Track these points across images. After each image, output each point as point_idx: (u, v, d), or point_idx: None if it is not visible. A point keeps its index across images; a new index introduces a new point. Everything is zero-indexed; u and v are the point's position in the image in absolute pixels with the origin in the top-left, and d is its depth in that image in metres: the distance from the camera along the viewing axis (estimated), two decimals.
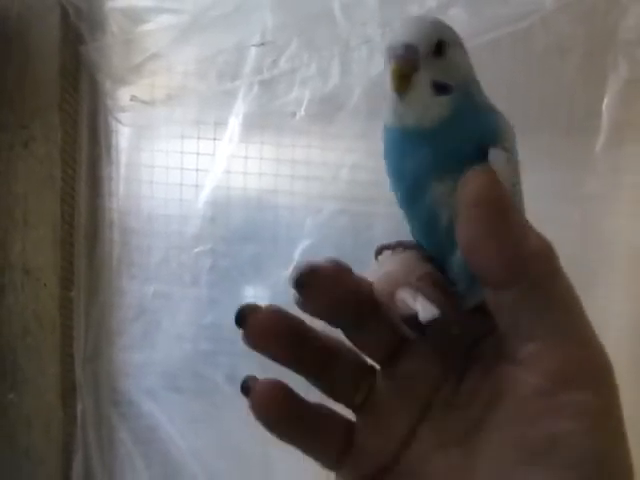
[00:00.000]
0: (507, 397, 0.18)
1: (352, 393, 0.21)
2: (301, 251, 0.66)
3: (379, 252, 0.22)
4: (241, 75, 0.62)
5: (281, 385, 0.20)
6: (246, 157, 0.69)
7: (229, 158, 0.68)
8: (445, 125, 0.20)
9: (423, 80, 0.19)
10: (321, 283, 0.19)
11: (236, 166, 0.69)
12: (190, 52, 0.62)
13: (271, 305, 0.21)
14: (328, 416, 0.21)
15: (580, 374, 0.18)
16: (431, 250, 0.21)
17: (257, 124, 0.66)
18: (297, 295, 0.20)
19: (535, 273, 0.18)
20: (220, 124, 0.67)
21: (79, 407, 0.68)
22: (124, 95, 0.64)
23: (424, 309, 0.18)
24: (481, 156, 0.19)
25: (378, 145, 0.70)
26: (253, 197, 0.70)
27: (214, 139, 0.68)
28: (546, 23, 0.71)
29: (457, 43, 0.21)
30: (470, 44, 0.68)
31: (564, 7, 0.70)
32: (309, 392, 0.21)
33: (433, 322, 0.18)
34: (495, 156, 0.19)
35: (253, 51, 0.61)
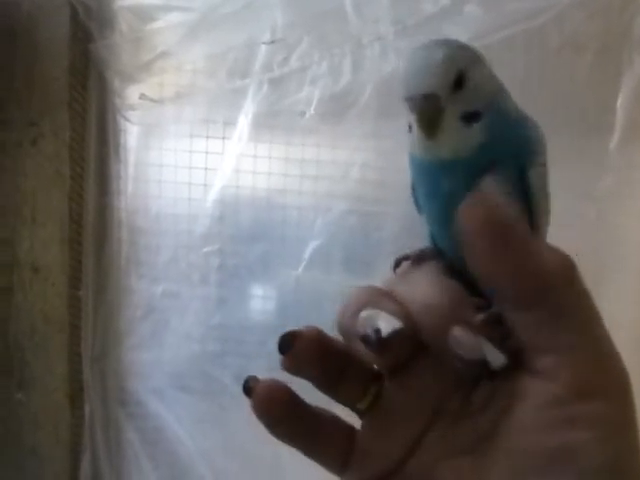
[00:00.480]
0: (522, 406, 0.18)
1: (358, 398, 0.21)
2: (311, 251, 0.66)
3: (398, 264, 0.22)
4: (251, 73, 0.61)
5: (282, 386, 0.20)
6: (255, 156, 0.68)
7: (238, 157, 0.68)
8: (482, 148, 0.20)
9: (451, 117, 0.19)
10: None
11: (245, 165, 0.68)
12: (199, 50, 0.62)
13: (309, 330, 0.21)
14: (329, 419, 0.21)
15: (597, 386, 0.18)
16: (459, 259, 0.20)
17: (266, 123, 0.66)
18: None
19: (555, 291, 0.18)
20: (229, 123, 0.66)
21: (87, 407, 0.68)
22: (133, 93, 0.64)
23: (493, 356, 0.18)
24: (518, 169, 0.19)
25: (388, 144, 0.69)
26: (262, 196, 0.69)
27: (223, 138, 0.68)
28: (561, 20, 0.70)
29: (475, 62, 0.20)
30: (484, 41, 0.67)
31: (579, 4, 0.69)
32: (312, 395, 0.21)
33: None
34: (533, 162, 0.20)
35: (263, 49, 0.60)
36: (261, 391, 0.20)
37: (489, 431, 0.19)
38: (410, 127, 0.21)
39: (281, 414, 0.20)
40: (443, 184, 0.20)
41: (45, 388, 0.64)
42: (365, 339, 0.19)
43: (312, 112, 0.64)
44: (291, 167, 0.68)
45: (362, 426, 0.22)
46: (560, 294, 0.18)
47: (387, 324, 0.19)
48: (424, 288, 0.20)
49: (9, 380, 0.63)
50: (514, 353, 0.19)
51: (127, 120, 0.65)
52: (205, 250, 0.68)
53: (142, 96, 0.63)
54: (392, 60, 0.57)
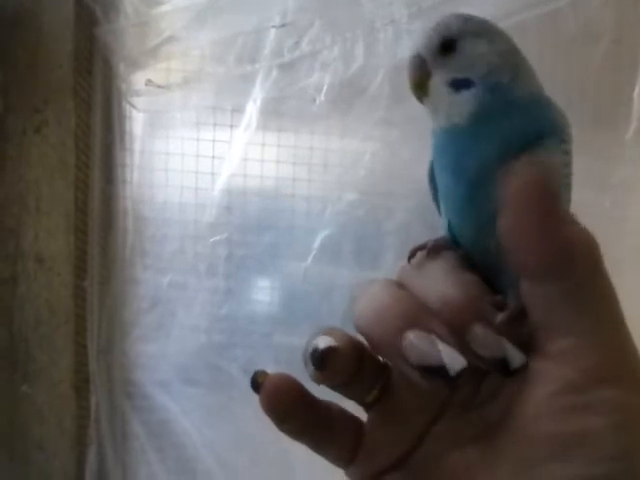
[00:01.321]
0: (535, 392, 0.18)
1: (365, 391, 0.21)
2: (320, 241, 0.65)
3: (413, 254, 0.22)
4: (260, 58, 0.60)
5: (290, 380, 0.20)
6: (263, 144, 0.67)
7: (246, 145, 0.66)
8: (483, 119, 0.20)
9: (438, 82, 0.20)
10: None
11: (253, 153, 0.67)
12: (207, 34, 0.60)
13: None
14: (337, 414, 0.21)
15: (614, 372, 0.17)
16: (479, 249, 0.20)
17: (275, 110, 0.64)
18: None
19: (577, 267, 0.17)
20: (237, 110, 0.65)
21: (93, 399, 0.67)
22: (139, 79, 0.63)
23: (514, 356, 0.18)
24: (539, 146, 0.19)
25: (400, 132, 0.67)
26: (270, 185, 0.68)
27: (231, 125, 0.66)
28: (575, 6, 0.68)
29: (476, 33, 0.20)
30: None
31: None
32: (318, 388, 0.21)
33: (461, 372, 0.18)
34: (549, 146, 0.19)
35: (273, 33, 0.59)
36: (269, 386, 0.20)
37: (498, 419, 0.19)
38: None
39: (290, 410, 0.20)
40: (467, 160, 0.20)
41: (50, 380, 0.63)
42: (423, 370, 0.18)
43: (322, 99, 0.62)
44: (300, 155, 0.67)
45: (369, 419, 0.21)
46: (585, 270, 0.18)
47: (453, 362, 0.18)
48: (441, 282, 0.19)
49: (14, 372, 0.62)
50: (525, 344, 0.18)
51: (133, 107, 0.64)
52: (212, 240, 0.67)
53: (148, 82, 0.62)
54: (406, 44, 0.55)
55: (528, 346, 0.18)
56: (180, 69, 0.63)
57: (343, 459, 0.21)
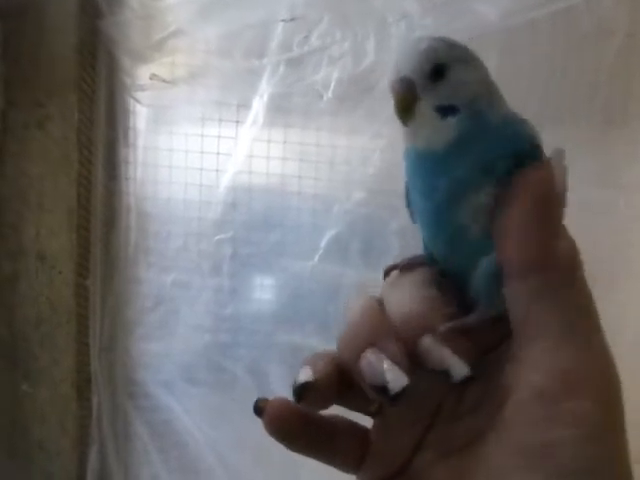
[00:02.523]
0: (509, 401, 0.18)
1: (366, 403, 0.21)
2: (327, 240, 0.64)
3: (387, 273, 0.23)
4: (267, 53, 0.59)
5: (292, 405, 0.20)
6: (269, 141, 0.66)
7: (252, 142, 0.65)
8: (460, 145, 0.20)
9: (426, 107, 0.20)
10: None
11: (259, 150, 0.66)
12: (214, 28, 0.59)
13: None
14: (343, 427, 0.22)
15: (585, 382, 0.18)
16: (451, 263, 0.22)
17: (282, 106, 0.63)
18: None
19: (559, 269, 0.18)
20: (243, 106, 0.64)
21: (94, 399, 0.66)
22: (143, 73, 0.61)
23: (455, 368, 0.19)
24: (515, 169, 0.19)
25: None
26: (276, 183, 0.67)
27: (237, 121, 0.65)
28: (589, 3, 0.67)
29: (462, 60, 0.21)
30: (510, 21, 0.63)
31: None
32: None
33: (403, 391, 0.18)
34: (556, 154, 0.20)
35: (281, 27, 0.58)
36: (271, 411, 0.20)
37: (481, 429, 0.19)
38: None
39: (293, 431, 0.21)
40: (440, 180, 0.21)
41: (51, 379, 0.62)
42: (372, 388, 0.19)
43: (330, 95, 0.61)
44: (307, 152, 0.66)
45: (373, 427, 0.22)
46: (564, 274, 0.18)
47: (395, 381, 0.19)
48: (405, 298, 0.21)
49: (15, 371, 0.62)
50: (482, 363, 0.19)
51: (137, 101, 0.63)
52: (217, 238, 0.66)
53: (153, 76, 0.60)
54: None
55: (502, 353, 0.19)
56: (185, 63, 0.62)
57: (350, 467, 0.22)
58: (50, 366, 0.62)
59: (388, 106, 0.67)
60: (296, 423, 0.21)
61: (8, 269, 0.62)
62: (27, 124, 0.60)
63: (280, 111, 0.64)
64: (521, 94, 0.69)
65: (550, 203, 0.18)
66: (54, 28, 0.59)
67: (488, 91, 0.21)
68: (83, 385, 0.65)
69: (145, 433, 0.68)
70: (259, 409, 0.20)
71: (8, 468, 0.62)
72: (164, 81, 0.60)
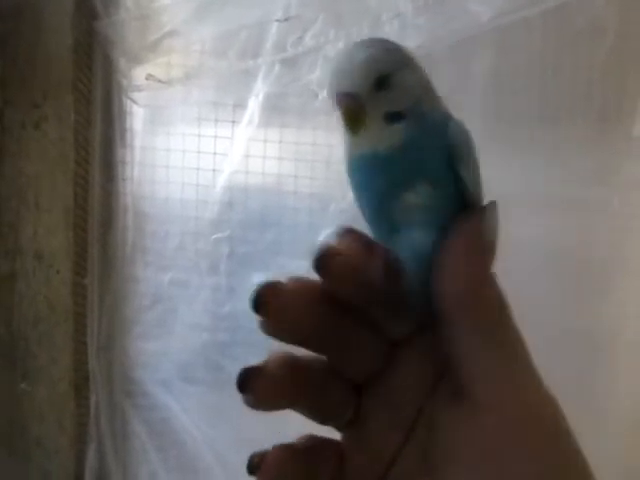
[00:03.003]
0: (455, 440, 0.19)
1: (339, 414, 0.21)
2: (324, 239, 0.64)
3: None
4: (262, 53, 0.59)
5: (288, 456, 0.20)
6: (265, 140, 0.66)
7: (248, 141, 0.65)
8: (403, 148, 0.21)
9: (373, 116, 0.20)
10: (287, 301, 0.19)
11: (255, 150, 0.66)
12: (209, 28, 0.59)
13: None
14: (321, 448, 0.21)
15: (519, 435, 0.18)
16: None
17: (277, 106, 0.64)
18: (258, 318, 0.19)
19: (485, 313, 0.19)
20: (239, 106, 0.64)
21: (92, 397, 0.66)
22: (139, 74, 0.62)
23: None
24: (448, 167, 0.20)
25: None
26: (272, 182, 0.67)
27: (233, 121, 0.65)
28: (581, 1, 0.67)
29: (402, 65, 0.21)
30: (503, 20, 0.64)
31: None
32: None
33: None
34: (490, 205, 0.20)
35: (276, 27, 0.58)
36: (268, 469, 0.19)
37: (448, 452, 0.19)
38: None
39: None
40: (375, 182, 0.21)
41: (50, 378, 0.63)
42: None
43: (325, 94, 0.62)
44: (302, 152, 0.66)
45: (345, 440, 0.21)
46: (491, 319, 0.19)
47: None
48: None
49: (13, 370, 0.62)
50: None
51: (133, 102, 0.63)
52: (214, 237, 0.66)
53: (149, 77, 0.61)
54: (412, 38, 0.54)
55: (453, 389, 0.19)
56: (181, 64, 0.63)
57: None
58: (48, 365, 0.63)
59: None
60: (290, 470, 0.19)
61: (6, 268, 0.62)
62: (24, 124, 0.61)
63: (276, 111, 0.64)
64: (516, 93, 0.70)
65: (478, 253, 0.19)
66: (50, 29, 0.59)
67: (427, 91, 0.21)
68: (81, 384, 0.65)
69: (143, 431, 0.68)
70: (253, 467, 0.19)
71: (6, 466, 0.62)
72: (160, 81, 0.61)
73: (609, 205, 0.64)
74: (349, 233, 0.20)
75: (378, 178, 0.21)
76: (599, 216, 0.66)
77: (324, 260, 0.19)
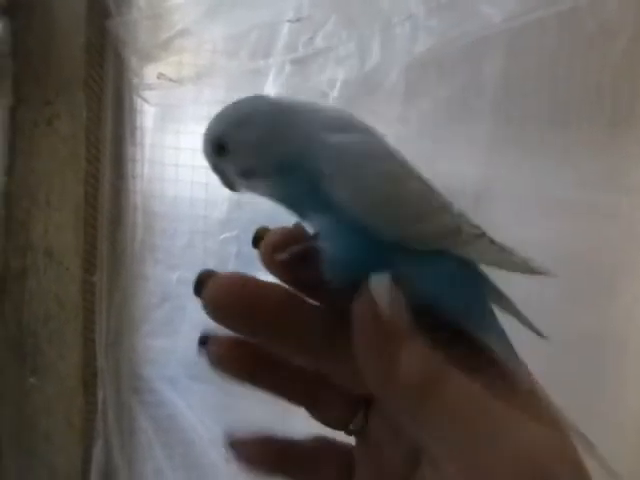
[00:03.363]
0: None
1: (348, 420, 0.21)
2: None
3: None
4: (273, 53, 0.59)
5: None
6: None
7: None
8: (276, 194, 0.23)
9: (233, 176, 0.23)
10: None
11: None
12: (220, 28, 0.60)
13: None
14: (327, 450, 0.21)
15: None
16: None
17: None
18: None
19: (406, 391, 0.17)
20: None
21: (100, 394, 0.67)
22: (151, 73, 0.62)
23: None
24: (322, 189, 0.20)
25: (415, 129, 0.66)
26: None
27: None
28: (594, 4, 0.67)
29: (237, 125, 0.22)
30: (516, 22, 0.63)
31: None
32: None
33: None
34: (375, 283, 0.18)
35: (287, 28, 0.58)
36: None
37: None
38: None
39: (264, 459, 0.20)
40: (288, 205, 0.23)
41: (58, 374, 0.63)
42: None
43: (335, 95, 0.62)
44: None
45: (356, 451, 0.21)
46: (413, 393, 0.17)
47: None
48: None
49: (23, 365, 0.62)
50: None
51: (144, 100, 0.63)
52: (222, 237, 0.67)
53: (160, 76, 0.61)
54: (423, 40, 0.54)
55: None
56: (192, 63, 0.63)
57: None
58: (57, 361, 0.63)
59: (393, 106, 0.68)
60: (269, 453, 0.20)
61: (17, 265, 0.63)
62: (36, 122, 0.61)
63: None
64: (527, 96, 0.69)
65: (374, 332, 0.18)
66: (63, 27, 0.59)
67: (274, 125, 0.22)
68: (89, 380, 0.66)
69: (150, 428, 0.68)
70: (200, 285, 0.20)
71: (14, 459, 0.62)
72: (171, 80, 0.61)
73: (619, 209, 0.63)
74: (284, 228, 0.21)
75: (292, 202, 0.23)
76: (609, 219, 0.65)
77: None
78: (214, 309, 0.19)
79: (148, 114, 0.65)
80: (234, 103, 0.22)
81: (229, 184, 0.23)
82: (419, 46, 0.54)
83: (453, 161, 0.65)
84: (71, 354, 0.63)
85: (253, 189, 0.23)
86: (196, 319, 0.68)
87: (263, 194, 0.23)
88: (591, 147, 0.70)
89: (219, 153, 0.22)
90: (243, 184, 0.23)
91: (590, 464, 0.17)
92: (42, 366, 0.63)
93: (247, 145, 0.22)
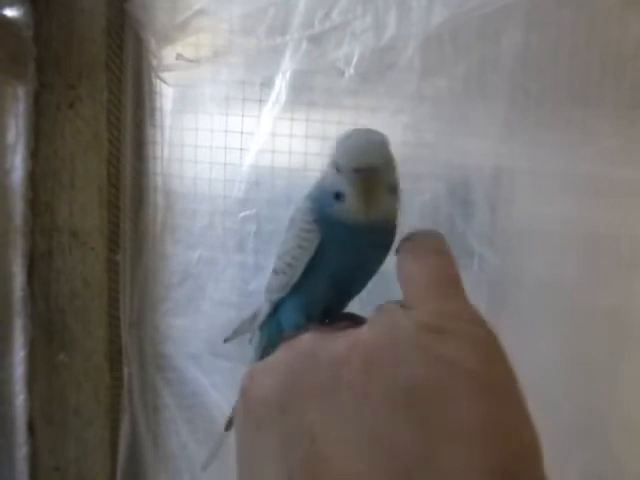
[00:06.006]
0: None
1: None
2: None
3: None
4: (290, 30, 0.59)
5: None
6: (292, 119, 0.67)
7: (274, 120, 0.66)
8: (397, 213, 0.26)
9: (384, 188, 0.25)
10: None
11: (281, 128, 0.67)
12: (237, 7, 0.60)
13: None
14: None
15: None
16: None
17: (304, 84, 0.64)
18: None
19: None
20: (266, 85, 0.65)
21: (125, 370, 0.68)
22: (169, 54, 0.63)
23: None
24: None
25: (431, 105, 0.65)
26: (298, 160, 0.68)
27: (260, 100, 0.66)
28: None
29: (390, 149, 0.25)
30: None
31: None
32: None
33: None
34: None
35: (303, 4, 0.58)
36: None
37: None
38: (338, 197, 0.25)
39: None
40: (364, 243, 0.25)
41: (85, 351, 0.65)
42: None
43: (352, 72, 0.62)
44: (329, 130, 0.66)
45: None
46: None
47: None
48: None
49: (51, 341, 0.64)
50: None
51: (163, 81, 0.64)
52: (241, 215, 0.68)
53: (178, 56, 0.62)
54: (440, 12, 0.54)
55: None
56: (210, 43, 0.63)
57: None
58: (84, 337, 0.65)
59: (409, 81, 0.67)
60: None
61: (43, 246, 0.65)
62: (59, 105, 0.63)
63: (302, 89, 0.64)
64: (546, 72, 0.68)
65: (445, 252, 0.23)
66: (84, 12, 0.61)
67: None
68: (114, 356, 0.67)
69: (173, 404, 0.70)
70: None
71: (48, 432, 0.65)
72: (189, 60, 0.62)
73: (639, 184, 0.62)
74: None
75: (379, 245, 0.25)
76: (630, 196, 0.64)
77: None
78: None
79: (167, 95, 0.66)
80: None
81: (375, 194, 0.24)
82: (435, 18, 0.54)
83: (471, 137, 0.65)
84: (97, 331, 0.65)
85: (386, 207, 0.25)
86: (216, 298, 0.69)
87: (388, 216, 0.25)
88: (612, 122, 0.69)
89: (387, 162, 0.25)
90: (383, 199, 0.24)
91: None
92: (70, 342, 0.65)
93: (394, 165, 0.25)
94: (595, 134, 0.68)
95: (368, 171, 0.24)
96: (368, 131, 0.25)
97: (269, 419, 0.19)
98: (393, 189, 0.25)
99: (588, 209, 0.67)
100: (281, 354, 0.21)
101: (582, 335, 0.66)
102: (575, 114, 0.69)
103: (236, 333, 0.35)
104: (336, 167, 0.25)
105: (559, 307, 0.65)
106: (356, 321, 0.26)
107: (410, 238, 0.23)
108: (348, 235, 0.25)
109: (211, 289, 0.69)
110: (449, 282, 0.21)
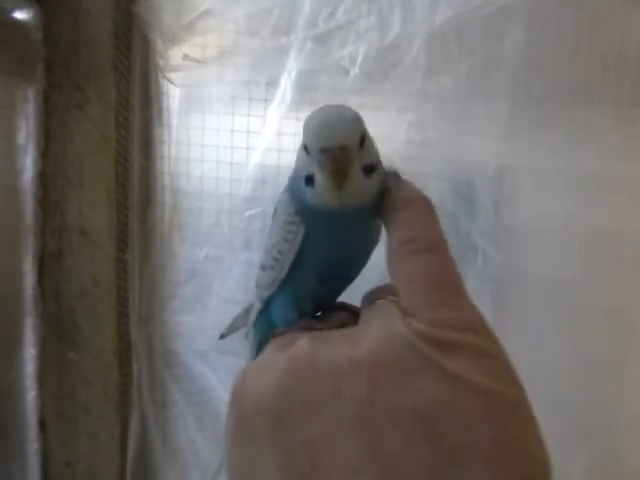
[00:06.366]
0: None
1: None
2: None
3: None
4: (295, 30, 0.60)
5: None
6: (297, 118, 0.67)
7: (280, 119, 0.67)
8: (376, 195, 0.24)
9: (356, 169, 0.23)
10: None
11: (287, 128, 0.67)
12: (242, 7, 0.61)
13: None
14: None
15: None
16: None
17: (309, 84, 0.65)
18: None
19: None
20: (272, 84, 0.65)
21: (134, 367, 0.69)
22: (176, 54, 0.64)
23: None
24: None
25: (435, 104, 0.66)
26: None
27: (265, 100, 0.67)
28: None
29: (365, 126, 0.24)
30: None
31: None
32: None
33: None
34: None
35: (308, 3, 0.59)
36: None
37: None
38: (309, 181, 0.23)
39: None
40: (344, 229, 0.24)
41: (94, 348, 0.66)
42: None
43: (356, 71, 0.62)
44: None
45: None
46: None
47: None
48: None
49: (62, 340, 0.65)
50: None
51: (170, 82, 0.65)
52: (247, 214, 0.68)
53: (185, 57, 0.62)
54: (444, 11, 0.55)
55: None
56: (216, 44, 0.64)
57: None
58: (93, 335, 0.66)
59: (413, 80, 0.68)
60: None
61: (54, 245, 0.65)
62: (67, 106, 0.63)
63: (307, 88, 0.65)
64: (548, 70, 0.69)
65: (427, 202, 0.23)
66: (91, 13, 0.61)
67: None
68: (124, 354, 0.68)
69: (182, 400, 0.71)
70: None
71: (58, 429, 0.66)
72: (196, 61, 0.63)
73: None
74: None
75: (351, 226, 0.24)
76: (632, 193, 0.65)
77: None
78: None
79: (174, 95, 0.67)
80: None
81: (346, 174, 0.22)
82: (439, 17, 0.55)
83: (474, 135, 0.66)
84: (106, 329, 0.66)
85: (360, 189, 0.23)
86: (223, 295, 0.70)
87: (363, 199, 0.23)
88: (613, 120, 0.69)
89: (361, 144, 0.23)
90: (357, 181, 0.22)
91: None
92: (79, 341, 0.66)
93: (372, 143, 0.24)
94: (597, 132, 0.69)
95: (336, 150, 0.22)
96: (338, 107, 0.23)
97: (265, 433, 0.18)
98: (370, 169, 0.23)
99: (590, 206, 0.67)
100: (276, 356, 0.20)
101: (585, 332, 0.67)
102: (577, 112, 0.69)
103: (230, 329, 0.33)
104: (305, 148, 0.23)
105: (562, 304, 0.66)
106: (348, 310, 0.25)
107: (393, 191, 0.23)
108: (324, 222, 0.23)
109: (218, 286, 0.70)
110: (451, 285, 0.20)
